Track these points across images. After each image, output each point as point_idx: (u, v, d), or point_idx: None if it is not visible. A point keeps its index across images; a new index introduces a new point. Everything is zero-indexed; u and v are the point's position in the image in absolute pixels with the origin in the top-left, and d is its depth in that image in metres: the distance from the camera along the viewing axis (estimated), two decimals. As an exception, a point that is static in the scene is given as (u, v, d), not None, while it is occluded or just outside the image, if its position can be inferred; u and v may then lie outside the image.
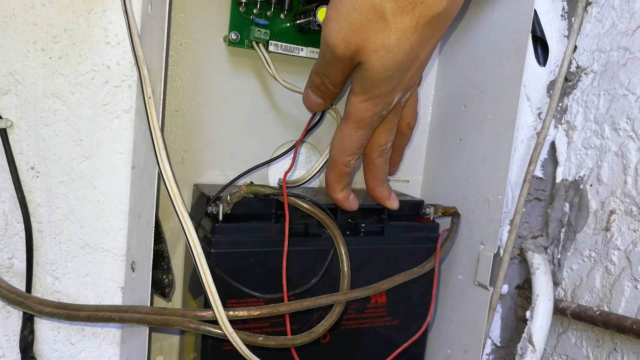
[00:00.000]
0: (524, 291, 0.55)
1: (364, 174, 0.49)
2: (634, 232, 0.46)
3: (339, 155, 0.45)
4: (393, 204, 0.50)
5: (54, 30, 0.42)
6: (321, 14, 0.47)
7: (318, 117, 0.53)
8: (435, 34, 0.38)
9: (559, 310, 0.52)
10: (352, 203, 0.48)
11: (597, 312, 0.48)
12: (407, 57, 0.38)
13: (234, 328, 0.39)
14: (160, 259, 0.47)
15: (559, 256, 0.54)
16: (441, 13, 0.37)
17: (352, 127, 0.43)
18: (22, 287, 0.43)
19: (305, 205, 0.46)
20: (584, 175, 0.51)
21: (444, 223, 0.54)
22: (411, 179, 0.61)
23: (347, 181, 0.47)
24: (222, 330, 0.39)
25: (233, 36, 0.49)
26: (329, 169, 0.47)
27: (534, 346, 0.51)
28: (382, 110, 0.42)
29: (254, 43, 0.49)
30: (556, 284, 0.53)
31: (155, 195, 0.41)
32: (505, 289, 0.54)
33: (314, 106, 0.47)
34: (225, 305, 0.40)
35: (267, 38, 0.49)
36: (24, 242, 0.43)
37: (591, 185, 0.51)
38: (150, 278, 0.41)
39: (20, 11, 0.41)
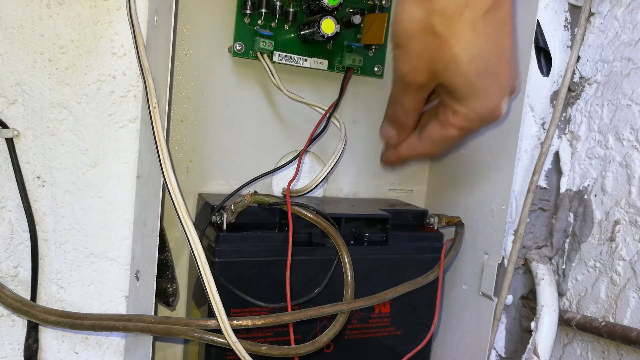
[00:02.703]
0: (529, 302, 0.55)
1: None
2: (639, 242, 0.46)
3: (433, 152, 0.44)
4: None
5: (60, 41, 0.42)
6: (325, 25, 0.47)
7: (322, 127, 0.53)
8: (500, 26, 0.37)
9: (564, 321, 0.51)
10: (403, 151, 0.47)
11: (603, 323, 0.48)
12: (484, 61, 0.38)
13: (237, 337, 0.39)
14: (165, 268, 0.47)
15: (563, 266, 0.53)
16: (492, 6, 0.36)
17: (458, 134, 0.42)
18: (27, 295, 0.43)
19: (309, 215, 0.46)
20: (588, 185, 0.51)
21: (448, 233, 0.54)
22: (415, 189, 0.61)
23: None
24: (226, 340, 0.39)
25: (238, 47, 0.49)
26: (414, 150, 0.44)
27: (539, 357, 0.51)
28: (491, 121, 0.41)
29: (258, 54, 0.49)
30: (561, 294, 0.53)
31: (160, 205, 0.41)
32: (509, 299, 0.54)
33: (388, 138, 0.46)
34: (229, 315, 0.40)
35: (272, 49, 0.49)
36: (30, 251, 0.43)
37: (595, 196, 0.50)
38: (155, 287, 0.41)
39: (28, 22, 0.41)
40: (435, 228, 0.54)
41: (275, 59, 0.50)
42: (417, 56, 0.38)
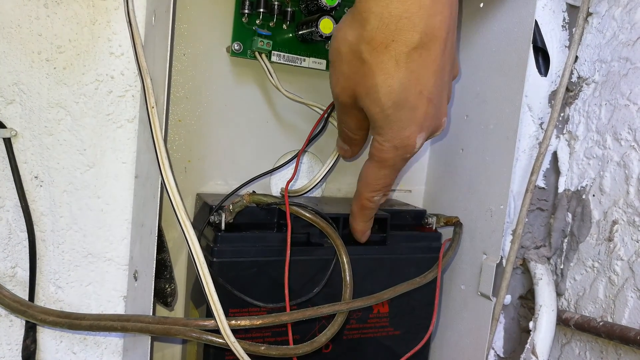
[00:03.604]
0: (527, 302, 0.55)
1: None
2: (637, 242, 0.46)
3: (363, 190, 0.45)
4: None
5: (58, 40, 0.42)
6: (323, 25, 0.47)
7: (320, 126, 0.53)
8: (425, 64, 0.37)
9: (563, 321, 0.51)
10: (365, 237, 0.48)
11: (601, 323, 0.48)
12: (400, 94, 0.38)
13: (236, 337, 0.39)
14: (163, 268, 0.47)
15: (561, 266, 0.54)
16: (417, 46, 0.36)
17: (375, 165, 0.43)
18: (25, 296, 0.43)
19: (308, 215, 0.46)
20: (586, 185, 0.51)
21: (447, 233, 0.54)
22: (413, 189, 0.61)
23: (370, 215, 0.47)
24: (225, 340, 0.39)
25: (236, 46, 0.49)
26: (355, 199, 0.47)
27: (537, 357, 0.51)
28: (404, 154, 0.41)
29: (256, 53, 0.49)
30: (559, 294, 0.53)
31: (158, 205, 0.41)
32: (508, 299, 0.54)
33: (342, 151, 0.49)
34: (228, 315, 0.40)
35: (270, 48, 0.49)
36: (27, 251, 0.43)
37: (593, 196, 0.51)
38: (153, 287, 0.41)
39: (26, 22, 0.41)
40: (434, 228, 0.54)
41: (274, 58, 0.50)
42: (346, 78, 0.39)
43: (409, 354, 0.51)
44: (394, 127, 0.40)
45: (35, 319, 0.40)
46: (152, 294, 0.42)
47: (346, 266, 0.46)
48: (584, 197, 0.51)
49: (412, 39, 0.36)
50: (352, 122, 0.44)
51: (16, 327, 0.43)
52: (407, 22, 0.36)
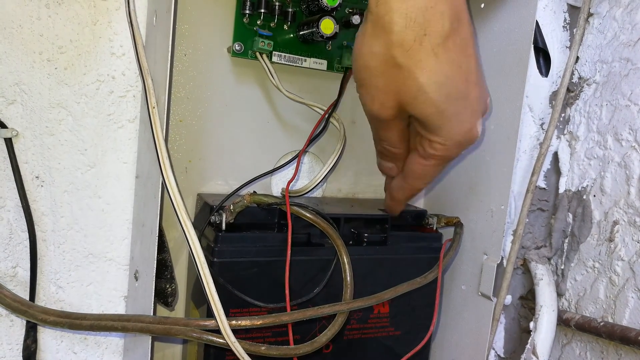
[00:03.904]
0: (528, 302, 0.55)
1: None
2: (638, 242, 0.46)
3: (419, 184, 0.45)
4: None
5: (59, 41, 0.42)
6: (324, 25, 0.47)
7: (321, 127, 0.53)
8: (462, 50, 0.37)
9: (563, 321, 0.51)
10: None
11: (601, 323, 0.48)
12: (449, 86, 0.37)
13: (236, 337, 0.39)
14: (164, 268, 0.47)
15: (562, 267, 0.54)
16: (450, 33, 0.35)
17: (437, 164, 0.42)
18: (25, 295, 0.43)
19: (308, 215, 0.46)
20: (587, 185, 0.51)
21: (447, 233, 0.54)
22: (414, 189, 0.61)
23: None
24: (225, 340, 0.39)
25: (237, 47, 0.49)
26: (401, 190, 0.46)
27: (538, 357, 0.51)
28: (468, 146, 0.41)
29: (257, 54, 0.49)
30: (560, 294, 0.53)
31: (159, 205, 0.41)
32: (508, 299, 0.54)
33: (388, 170, 0.47)
34: (228, 315, 0.40)
35: (271, 49, 0.49)
36: (28, 251, 0.43)
37: (594, 196, 0.51)
38: (154, 287, 0.41)
39: (27, 22, 0.41)
40: (434, 228, 0.54)
41: (275, 59, 0.50)
42: (384, 92, 0.37)
43: (409, 354, 0.51)
44: (454, 123, 0.38)
45: (35, 318, 0.40)
46: (153, 294, 0.42)
47: (347, 266, 0.46)
48: (584, 197, 0.51)
49: (444, 27, 0.35)
50: (394, 136, 0.42)
51: (17, 327, 0.43)
52: (433, 12, 0.34)
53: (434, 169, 0.42)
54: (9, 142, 0.41)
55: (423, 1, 0.34)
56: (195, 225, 0.41)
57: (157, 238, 0.41)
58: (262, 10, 0.49)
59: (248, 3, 0.48)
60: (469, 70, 0.37)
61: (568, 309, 0.52)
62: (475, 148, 0.53)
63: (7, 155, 0.41)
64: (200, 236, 0.42)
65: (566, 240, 0.53)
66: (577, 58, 0.52)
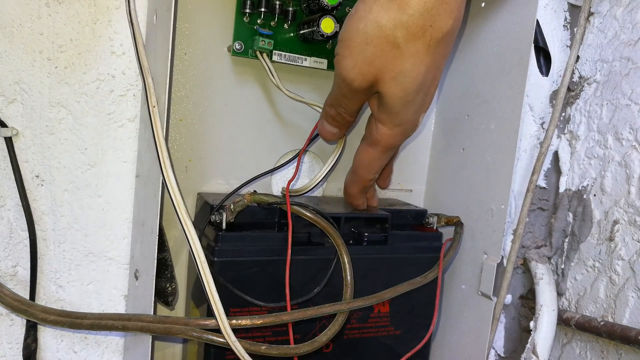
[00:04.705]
0: (528, 301, 0.55)
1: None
2: (638, 242, 0.46)
3: (366, 174, 0.47)
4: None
5: (60, 40, 0.42)
6: (324, 24, 0.47)
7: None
8: (446, 51, 0.39)
9: (563, 321, 0.51)
10: (365, 204, 0.52)
11: (602, 323, 0.48)
12: (424, 79, 0.39)
13: (236, 337, 0.39)
14: (164, 268, 0.47)
15: (562, 266, 0.54)
16: (449, 32, 0.37)
17: (381, 151, 0.45)
18: (26, 295, 0.43)
19: (309, 214, 0.46)
20: (588, 185, 0.51)
21: (447, 232, 0.54)
22: (414, 188, 0.61)
23: (366, 191, 0.51)
24: (225, 339, 0.39)
25: (237, 46, 0.49)
26: (353, 183, 0.49)
27: (538, 357, 0.51)
28: (410, 135, 0.44)
29: (257, 53, 0.49)
30: (560, 294, 0.53)
31: (159, 204, 0.41)
32: (508, 299, 0.54)
33: (330, 135, 0.48)
34: (228, 314, 0.40)
35: (271, 48, 0.49)
36: (28, 250, 0.43)
37: (594, 195, 0.51)
38: (154, 286, 0.41)
39: (27, 21, 0.41)
40: (435, 228, 0.54)
41: (275, 58, 0.50)
42: (368, 62, 0.38)
43: (409, 354, 0.51)
44: (410, 111, 0.41)
45: (36, 318, 0.40)
46: (153, 293, 0.42)
47: (347, 266, 0.46)
48: (585, 196, 0.51)
49: (447, 25, 0.37)
50: (354, 105, 0.43)
51: (17, 326, 0.43)
52: (446, 8, 0.36)
53: (380, 156, 0.45)
54: (9, 141, 0.41)
55: None
56: (195, 224, 0.41)
57: (157, 237, 0.41)
58: (263, 9, 0.49)
59: (248, 2, 0.48)
60: (440, 68, 0.40)
61: (568, 309, 0.52)
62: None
63: (7, 154, 0.41)
64: (201, 235, 0.42)
65: (566, 240, 0.53)
66: (578, 57, 0.52)
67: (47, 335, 0.45)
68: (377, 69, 0.39)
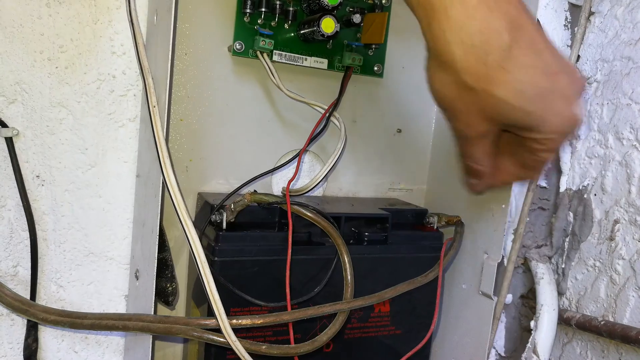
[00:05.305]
0: (528, 301, 0.55)
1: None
2: (638, 241, 0.46)
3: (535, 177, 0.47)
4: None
5: (60, 40, 0.42)
6: (325, 24, 0.47)
7: (321, 126, 0.53)
8: (530, 47, 0.37)
9: (564, 320, 0.51)
10: None
11: (602, 322, 0.48)
12: (530, 89, 0.38)
13: (237, 336, 0.39)
14: (164, 267, 0.47)
15: (563, 266, 0.54)
16: (511, 43, 0.36)
17: (553, 153, 0.41)
18: (26, 295, 0.43)
19: (309, 214, 0.46)
20: (588, 184, 0.51)
21: (448, 232, 0.54)
22: (415, 188, 0.61)
23: None
24: (226, 339, 0.39)
25: (237, 46, 0.49)
26: (513, 178, 0.44)
27: (538, 356, 0.51)
28: (573, 130, 0.41)
29: (258, 53, 0.49)
30: (560, 293, 0.53)
31: (160, 204, 0.41)
32: (509, 298, 0.54)
33: (473, 188, 0.45)
34: (229, 314, 0.40)
35: (271, 48, 0.49)
36: (29, 250, 0.43)
37: (595, 195, 0.50)
38: (154, 286, 0.42)
39: (28, 21, 0.41)
40: (435, 227, 0.54)
41: (275, 58, 0.50)
42: (467, 113, 0.38)
43: (410, 353, 0.51)
44: (549, 117, 0.38)
45: (36, 318, 0.40)
46: (154, 293, 0.42)
47: (347, 265, 0.46)
48: (585, 196, 0.51)
49: (504, 41, 0.35)
50: (479, 151, 0.41)
51: (18, 326, 0.43)
52: (489, 32, 0.35)
53: (546, 160, 0.41)
54: (9, 142, 0.41)
55: (477, 25, 0.34)
56: (195, 224, 0.41)
57: (157, 237, 0.41)
58: (263, 9, 0.49)
59: (249, 2, 0.48)
60: (546, 64, 0.37)
61: (569, 308, 0.52)
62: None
63: (8, 155, 0.41)
64: (201, 235, 0.42)
65: (567, 239, 0.53)
66: (579, 57, 0.52)
67: (48, 335, 0.45)
68: (479, 113, 0.38)
